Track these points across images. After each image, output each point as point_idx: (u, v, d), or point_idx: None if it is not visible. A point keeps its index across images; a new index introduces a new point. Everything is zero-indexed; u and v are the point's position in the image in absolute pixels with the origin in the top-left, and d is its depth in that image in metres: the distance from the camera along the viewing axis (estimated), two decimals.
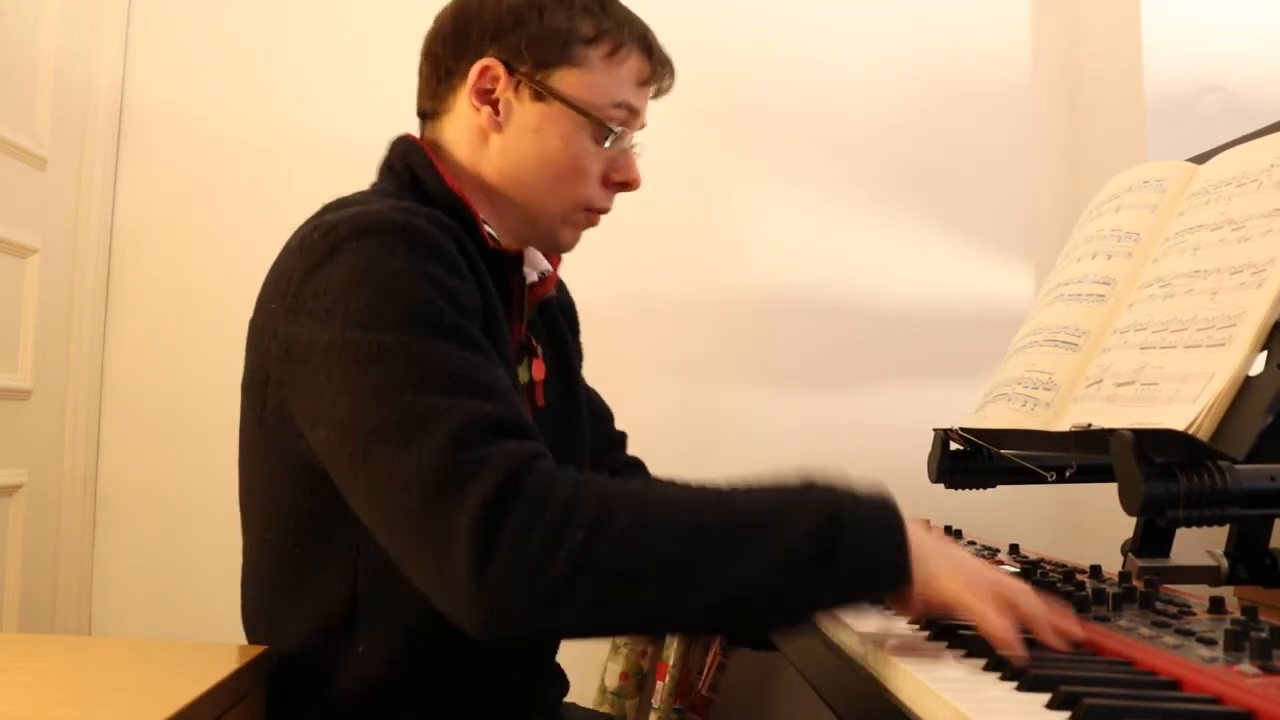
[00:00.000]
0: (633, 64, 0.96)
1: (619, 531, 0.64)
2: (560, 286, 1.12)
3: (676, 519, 0.67)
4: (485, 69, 0.92)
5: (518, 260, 0.94)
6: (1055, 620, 0.68)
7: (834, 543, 0.65)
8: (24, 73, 1.64)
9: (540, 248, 1.00)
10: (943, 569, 0.67)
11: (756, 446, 1.87)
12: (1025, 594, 0.68)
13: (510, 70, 0.92)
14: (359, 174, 1.95)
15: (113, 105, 1.84)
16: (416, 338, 0.72)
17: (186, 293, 1.85)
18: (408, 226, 0.78)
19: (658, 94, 1.01)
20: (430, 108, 0.98)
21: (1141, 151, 1.70)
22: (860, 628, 0.74)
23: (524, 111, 0.92)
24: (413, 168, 0.93)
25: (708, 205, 1.91)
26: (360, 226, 0.78)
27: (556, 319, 1.08)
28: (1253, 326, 0.82)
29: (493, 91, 0.92)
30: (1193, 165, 1.09)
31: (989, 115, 1.97)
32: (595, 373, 1.90)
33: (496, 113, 0.92)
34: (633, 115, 0.96)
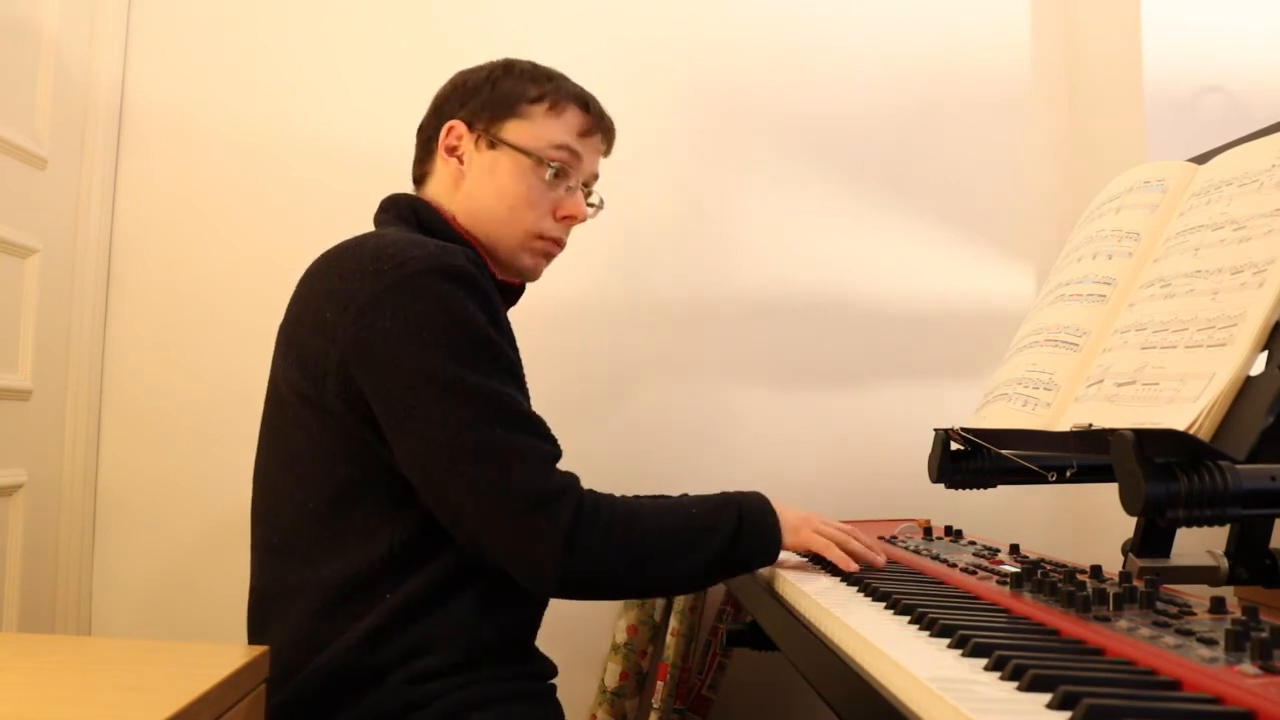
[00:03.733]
0: (570, 117, 1.16)
1: (638, 534, 0.98)
2: None
3: (662, 524, 1.00)
4: (450, 128, 1.15)
5: (520, 291, 1.18)
6: (850, 547, 1.08)
7: (741, 533, 1.03)
8: (24, 73, 1.64)
9: (511, 277, 1.19)
10: (787, 530, 1.08)
11: (756, 446, 1.87)
12: (828, 525, 1.10)
13: (470, 127, 1.15)
14: (358, 174, 1.95)
15: (113, 105, 1.84)
16: (491, 381, 0.96)
17: (186, 293, 1.85)
18: (463, 271, 0.98)
19: (607, 151, 1.22)
20: (419, 173, 1.20)
21: (1142, 152, 1.70)
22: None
23: (481, 159, 1.14)
24: (420, 216, 1.12)
25: (707, 205, 1.91)
26: (430, 266, 0.96)
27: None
28: (1254, 326, 0.82)
29: (458, 147, 1.15)
30: (1193, 165, 1.09)
31: (989, 115, 1.97)
32: (595, 372, 1.90)
33: (461, 163, 1.14)
34: (574, 156, 1.16)
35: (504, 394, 0.96)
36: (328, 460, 1.00)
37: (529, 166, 1.12)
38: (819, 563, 1.14)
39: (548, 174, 1.13)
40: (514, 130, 1.13)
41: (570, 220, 1.17)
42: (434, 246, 0.99)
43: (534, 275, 1.19)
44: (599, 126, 1.19)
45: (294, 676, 0.98)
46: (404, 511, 0.99)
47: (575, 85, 1.18)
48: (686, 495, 1.08)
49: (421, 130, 1.20)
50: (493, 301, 1.00)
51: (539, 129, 1.14)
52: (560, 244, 1.18)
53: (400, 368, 0.94)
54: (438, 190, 1.16)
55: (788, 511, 1.09)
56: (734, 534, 1.02)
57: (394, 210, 1.13)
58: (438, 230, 1.10)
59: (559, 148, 1.14)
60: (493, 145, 1.13)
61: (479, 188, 1.13)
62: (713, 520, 1.02)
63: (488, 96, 1.14)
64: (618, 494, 1.03)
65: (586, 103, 1.17)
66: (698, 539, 1.00)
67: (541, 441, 0.97)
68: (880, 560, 1.09)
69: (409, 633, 0.97)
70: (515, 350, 1.04)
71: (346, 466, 0.99)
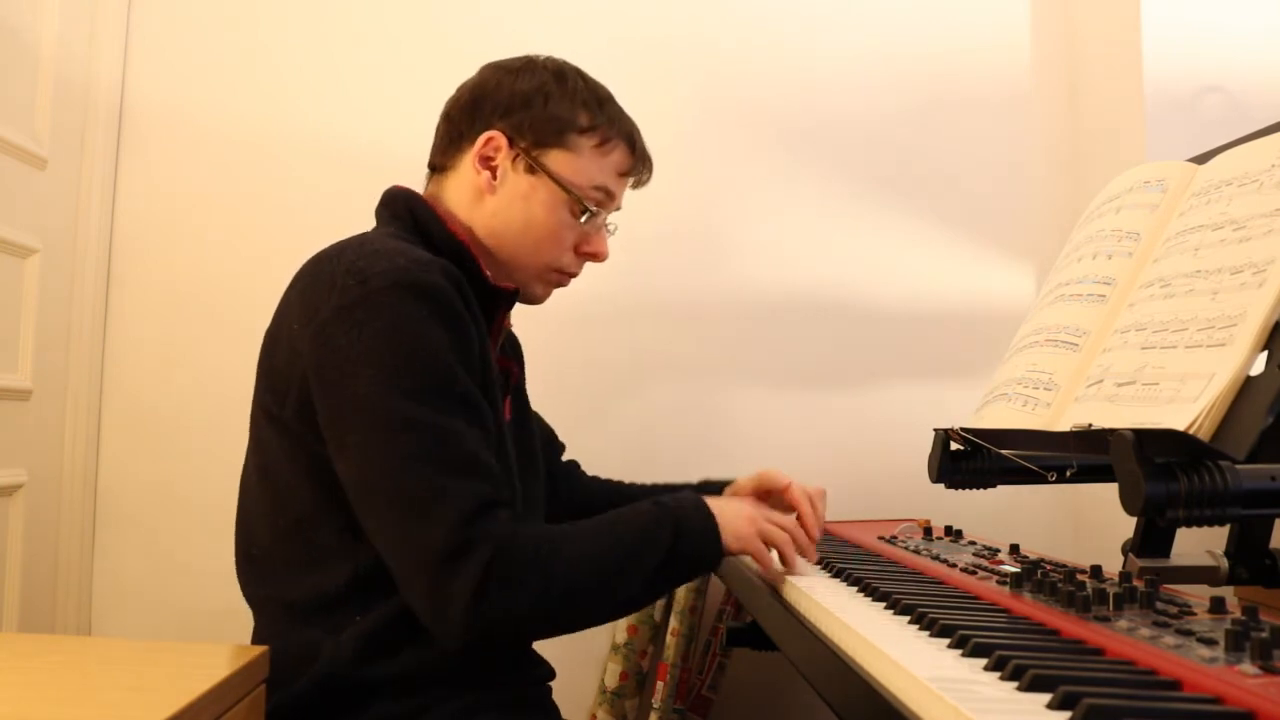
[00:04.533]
0: (617, 156, 1.11)
1: (559, 578, 0.91)
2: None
3: (591, 558, 0.93)
4: (490, 139, 1.07)
5: (513, 296, 1.10)
6: (788, 550, 1.03)
7: (677, 550, 0.96)
8: (24, 73, 1.64)
9: (507, 282, 1.14)
10: (731, 539, 1.00)
11: (756, 446, 1.87)
12: (773, 524, 1.03)
13: (511, 143, 1.07)
14: (358, 173, 1.95)
15: (113, 105, 1.84)
16: (437, 414, 0.90)
17: (186, 293, 1.85)
18: (432, 288, 0.93)
19: (636, 185, 1.17)
20: (440, 163, 1.13)
21: (1141, 152, 1.70)
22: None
23: (517, 180, 1.08)
24: (416, 215, 1.06)
25: (708, 205, 1.91)
26: (392, 280, 0.92)
27: (508, 348, 1.23)
28: (1253, 326, 0.82)
29: (493, 159, 1.08)
30: (1193, 165, 1.09)
31: (989, 115, 1.97)
32: (596, 373, 1.90)
33: (494, 178, 1.08)
34: (609, 198, 1.11)
35: (443, 429, 0.90)
36: (292, 478, 0.97)
37: (564, 201, 1.08)
38: (817, 561, 1.14)
39: (582, 214, 1.09)
40: (557, 160, 1.07)
41: (591, 258, 1.14)
42: (405, 260, 0.94)
43: (538, 302, 1.15)
44: (641, 167, 1.14)
45: (281, 688, 0.96)
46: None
47: (624, 116, 1.13)
48: (625, 511, 0.99)
49: (451, 120, 1.11)
50: (461, 321, 0.95)
51: (583, 165, 1.08)
52: (574, 276, 1.15)
53: (344, 390, 0.91)
54: (457, 194, 1.10)
55: (727, 513, 1.01)
56: (668, 553, 0.96)
57: (391, 207, 1.09)
58: (433, 231, 1.05)
59: (598, 188, 1.09)
60: (531, 170, 1.07)
61: (508, 209, 1.08)
62: (645, 542, 0.95)
63: (537, 115, 1.07)
64: None
65: (634, 140, 1.12)
66: (629, 567, 0.94)
67: (472, 483, 0.90)
68: (804, 572, 1.04)
69: (392, 650, 0.95)
70: (487, 369, 0.99)
71: (309, 486, 0.96)
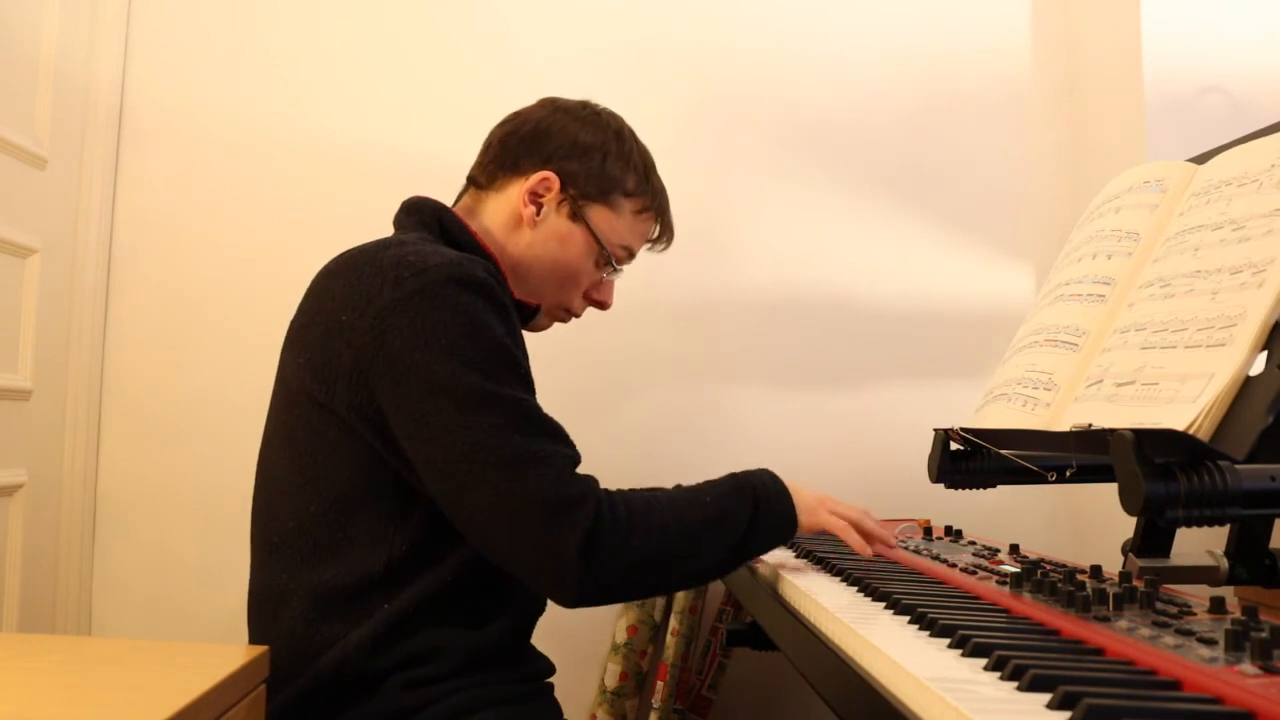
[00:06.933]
0: (647, 224, 1.21)
1: (655, 535, 0.97)
2: None
3: (680, 519, 0.99)
4: (545, 178, 1.13)
5: (536, 311, 1.18)
6: (865, 528, 1.12)
7: (758, 519, 1.03)
8: (24, 73, 1.64)
9: (527, 298, 1.20)
10: (804, 515, 1.08)
11: (756, 446, 1.87)
12: (843, 506, 1.11)
13: (563, 188, 1.14)
14: (358, 174, 1.95)
15: (113, 105, 1.84)
16: (511, 390, 0.96)
17: (186, 293, 1.85)
18: (482, 282, 0.98)
19: (652, 249, 1.25)
20: (483, 180, 1.18)
21: (1141, 151, 1.70)
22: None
23: (558, 222, 1.14)
24: (446, 226, 1.11)
25: (708, 205, 1.91)
26: (450, 275, 0.96)
27: None
28: (1253, 326, 0.82)
29: (542, 196, 1.14)
30: (1193, 165, 1.09)
31: (989, 115, 1.97)
32: (596, 373, 1.90)
33: (537, 214, 1.14)
34: (629, 257, 1.21)
35: (523, 400, 0.96)
36: (332, 464, 0.99)
37: (594, 253, 1.16)
38: (818, 561, 1.14)
39: (605, 267, 1.18)
40: (599, 216, 1.15)
41: (597, 305, 1.22)
42: (454, 256, 0.99)
43: (539, 330, 1.22)
44: (664, 236, 1.23)
45: (290, 680, 0.97)
46: (406, 523, 0.99)
47: (663, 188, 1.21)
48: (703, 484, 1.06)
49: (507, 146, 1.16)
50: (510, 314, 1.00)
51: (620, 225, 1.17)
52: (576, 318, 1.23)
53: (418, 375, 0.93)
54: (495, 216, 1.15)
55: (801, 491, 1.08)
56: (750, 520, 1.02)
57: (417, 215, 1.12)
58: (462, 242, 1.09)
59: (625, 248, 1.18)
60: (574, 217, 1.14)
61: (543, 246, 1.14)
62: (729, 509, 1.01)
63: (594, 170, 1.14)
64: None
65: (665, 213, 1.22)
66: (716, 531, 1.00)
67: (562, 446, 0.97)
68: (895, 551, 1.13)
69: (406, 642, 0.97)
70: (528, 364, 1.04)
71: (351, 472, 0.99)
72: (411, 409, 0.94)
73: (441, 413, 0.93)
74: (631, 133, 1.19)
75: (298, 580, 1.00)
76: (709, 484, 1.05)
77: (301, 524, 1.01)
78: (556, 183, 1.13)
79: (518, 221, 1.14)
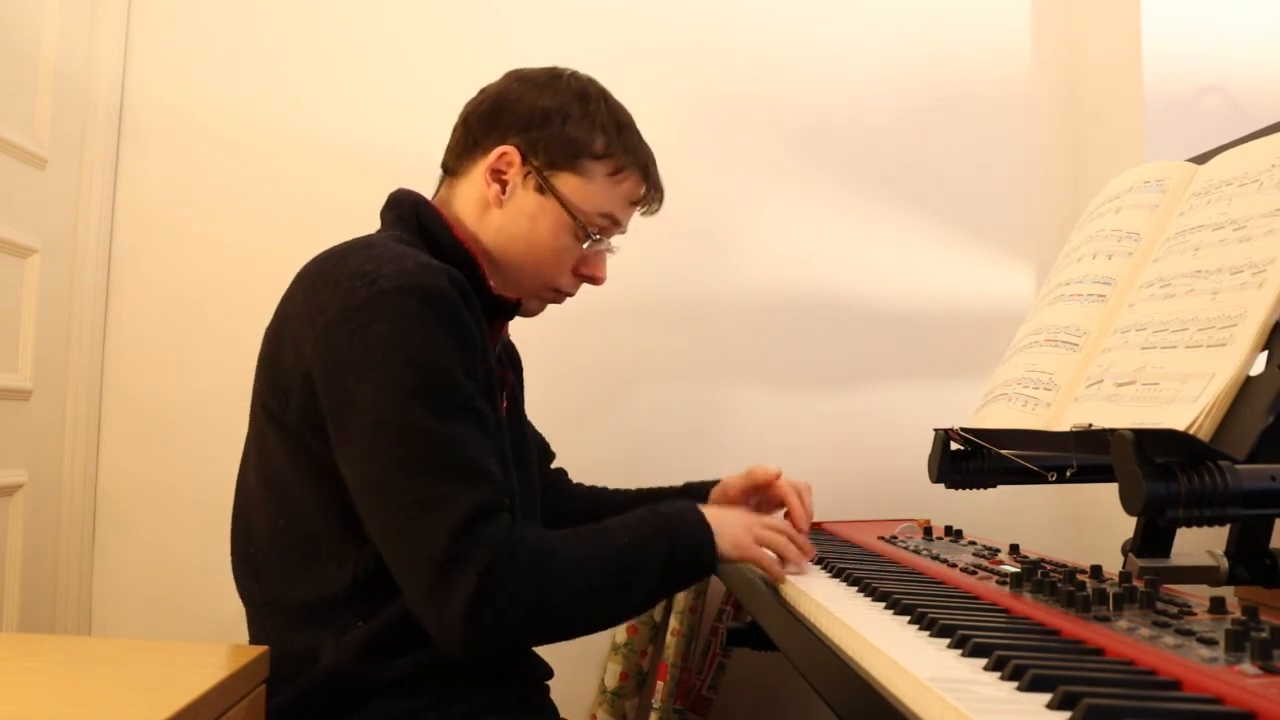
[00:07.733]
0: (629, 185, 1.10)
1: (558, 588, 0.91)
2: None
3: (590, 565, 0.94)
4: (503, 153, 1.06)
5: (515, 307, 1.10)
6: (790, 555, 1.05)
7: (673, 560, 0.97)
8: (24, 73, 1.64)
9: (509, 292, 1.14)
10: (729, 548, 1.01)
11: (756, 446, 1.87)
12: (768, 529, 1.05)
13: (524, 160, 1.06)
14: (358, 174, 1.95)
15: (113, 105, 1.84)
16: (439, 419, 0.89)
17: (186, 293, 1.85)
18: (438, 293, 0.92)
19: (646, 213, 1.16)
20: (453, 166, 1.12)
21: (1141, 152, 1.70)
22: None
23: (525, 198, 1.07)
24: (422, 220, 1.06)
25: (708, 205, 1.91)
26: (399, 284, 0.91)
27: (505, 356, 1.22)
28: (1253, 326, 0.82)
29: (505, 174, 1.07)
30: (1193, 165, 1.09)
31: (989, 116, 1.97)
32: (596, 373, 1.90)
33: (503, 192, 1.07)
34: (614, 225, 1.11)
35: (443, 434, 0.89)
36: (293, 478, 0.97)
37: (569, 225, 1.07)
38: (818, 561, 1.14)
39: (585, 240, 1.09)
40: (568, 184, 1.07)
41: (589, 281, 1.14)
42: (413, 265, 0.93)
43: (531, 315, 1.15)
44: (652, 197, 1.14)
45: (278, 691, 0.96)
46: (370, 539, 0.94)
47: (642, 144, 1.12)
48: (621, 521, 0.99)
49: (469, 125, 1.10)
50: (466, 327, 0.94)
51: (593, 191, 1.07)
52: (570, 296, 1.15)
53: (347, 392, 0.90)
54: (465, 201, 1.09)
55: (724, 521, 1.02)
56: (666, 563, 0.96)
57: (396, 210, 1.08)
58: (439, 237, 1.04)
59: (605, 215, 1.09)
60: (541, 190, 1.06)
61: (513, 226, 1.07)
62: (644, 550, 0.96)
63: (554, 135, 1.06)
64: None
65: (648, 170, 1.12)
66: (626, 577, 0.95)
67: (470, 490, 0.89)
68: (806, 570, 1.07)
69: (392, 656, 0.95)
70: (490, 375, 0.99)
71: (310, 487, 0.95)
72: (339, 425, 0.91)
73: (360, 434, 0.89)
74: (602, 92, 1.10)
75: (270, 593, 1.00)
76: (627, 521, 0.99)
77: (273, 538, 0.99)
78: (517, 156, 1.06)
79: (485, 204, 1.07)
